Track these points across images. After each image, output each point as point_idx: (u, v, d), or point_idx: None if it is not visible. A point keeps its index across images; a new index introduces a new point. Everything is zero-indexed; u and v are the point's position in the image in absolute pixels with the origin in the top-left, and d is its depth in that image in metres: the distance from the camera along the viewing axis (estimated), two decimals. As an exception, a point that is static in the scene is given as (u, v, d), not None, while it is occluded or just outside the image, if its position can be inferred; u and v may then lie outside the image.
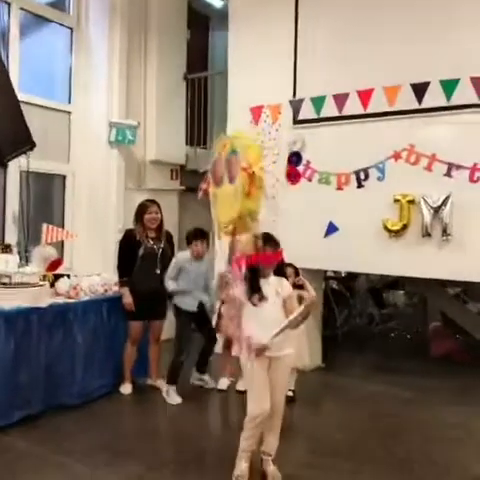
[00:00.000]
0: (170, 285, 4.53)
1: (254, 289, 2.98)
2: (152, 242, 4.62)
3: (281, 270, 3.17)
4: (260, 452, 3.12)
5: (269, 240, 3.07)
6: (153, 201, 4.74)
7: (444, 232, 4.58)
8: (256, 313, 2.97)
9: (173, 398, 4.48)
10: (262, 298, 2.96)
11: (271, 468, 3.09)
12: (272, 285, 3.04)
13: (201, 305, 4.59)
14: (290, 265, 4.16)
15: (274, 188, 5.39)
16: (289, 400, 4.21)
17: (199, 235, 4.55)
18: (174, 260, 4.62)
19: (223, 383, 4.79)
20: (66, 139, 6.25)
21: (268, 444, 3.11)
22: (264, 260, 3.01)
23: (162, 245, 4.66)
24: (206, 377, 4.88)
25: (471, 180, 4.54)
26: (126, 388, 4.65)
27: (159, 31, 6.53)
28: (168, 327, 4.86)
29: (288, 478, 3.03)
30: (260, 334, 2.92)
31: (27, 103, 5.50)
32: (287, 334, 3.00)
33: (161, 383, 4.75)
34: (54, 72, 6.29)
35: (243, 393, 4.56)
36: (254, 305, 2.97)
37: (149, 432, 3.88)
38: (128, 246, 4.62)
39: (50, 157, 5.92)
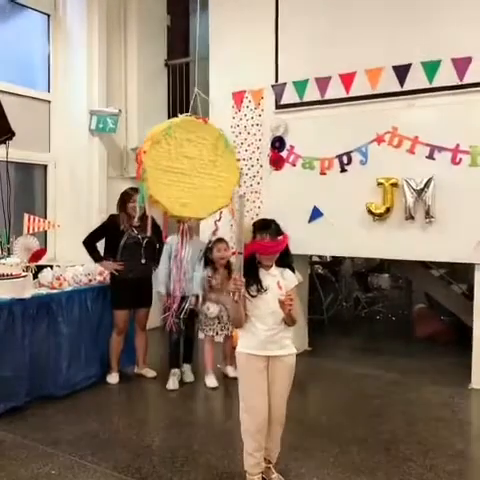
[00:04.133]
0: (160, 285, 4.55)
1: (251, 280, 2.68)
2: (136, 231, 4.57)
3: (285, 260, 2.80)
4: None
5: (264, 227, 2.71)
6: (136, 189, 4.66)
7: (427, 214, 4.61)
8: (256, 306, 2.71)
9: (170, 384, 4.51)
10: (260, 289, 2.69)
11: (274, 475, 2.87)
12: (274, 277, 2.74)
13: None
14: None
15: (258, 174, 5.42)
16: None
17: None
18: (165, 246, 4.58)
19: (211, 381, 4.61)
20: (46, 128, 6.18)
21: (270, 450, 2.85)
22: (260, 249, 2.69)
23: (147, 235, 4.59)
24: (185, 367, 4.76)
25: (453, 162, 4.55)
26: (113, 377, 4.64)
27: (139, 17, 6.45)
28: (154, 316, 4.86)
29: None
30: (260, 327, 2.69)
31: (5, 92, 5.41)
32: (289, 331, 2.77)
33: (148, 371, 4.76)
34: (32, 60, 6.18)
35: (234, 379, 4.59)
36: (252, 296, 2.69)
37: (136, 421, 3.88)
38: (107, 229, 4.58)
39: (30, 147, 5.85)
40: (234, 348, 2.93)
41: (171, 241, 4.61)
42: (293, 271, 2.83)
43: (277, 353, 2.74)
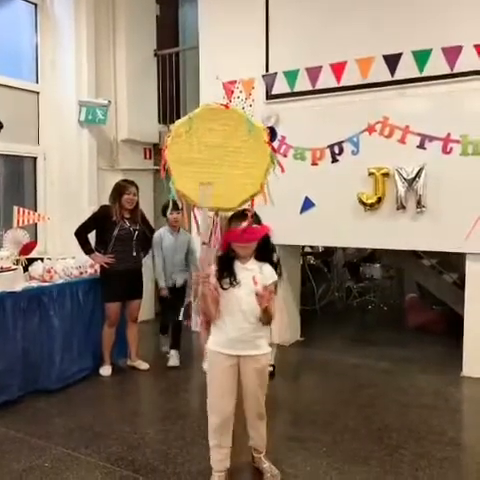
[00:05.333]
0: (159, 280, 4.82)
1: (225, 272, 2.57)
2: (128, 223, 4.55)
3: (265, 254, 2.64)
4: (250, 447, 2.87)
5: (239, 216, 2.57)
6: (131, 182, 4.63)
7: (418, 204, 4.62)
8: (228, 299, 2.57)
9: (172, 360, 4.78)
10: (233, 282, 2.55)
11: (266, 465, 2.83)
12: (250, 271, 2.57)
13: (174, 286, 4.81)
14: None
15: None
16: (269, 375, 4.27)
17: (174, 205, 4.52)
18: (154, 240, 4.77)
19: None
20: (35, 120, 6.10)
21: (255, 440, 2.84)
22: (232, 236, 2.55)
23: (138, 227, 4.60)
24: (173, 352, 4.84)
25: (444, 151, 4.55)
26: (106, 370, 4.62)
27: (127, 6, 6.37)
28: (145, 308, 4.86)
29: (268, 451, 3.03)
30: (229, 324, 2.58)
31: (-8, 83, 5.36)
32: (263, 330, 2.64)
33: (140, 363, 4.76)
34: (20, 51, 6.09)
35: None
36: (224, 289, 2.56)
37: (130, 413, 3.88)
38: (99, 220, 4.56)
39: (19, 139, 5.79)
40: None
41: (159, 234, 4.78)
42: (275, 267, 2.65)
43: (247, 353, 2.60)
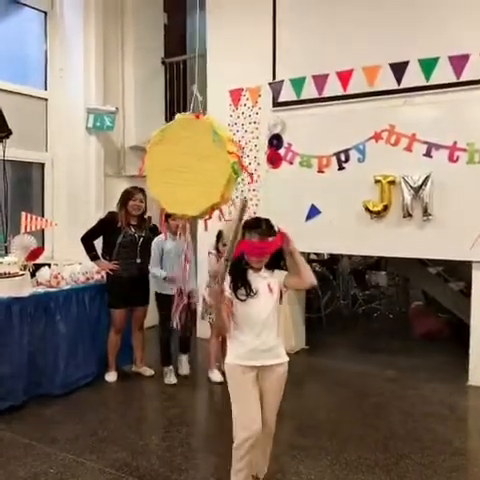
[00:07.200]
0: (156, 272, 4.47)
1: (239, 282, 2.50)
2: (133, 230, 4.57)
3: (277, 263, 2.55)
4: None
5: (253, 226, 2.50)
6: (139, 189, 4.64)
7: (425, 212, 4.62)
8: (246, 310, 2.51)
9: (168, 378, 4.56)
10: (250, 293, 2.49)
11: None
12: (265, 279, 2.53)
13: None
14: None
15: (256, 172, 5.39)
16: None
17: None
18: (153, 245, 4.52)
19: (216, 375, 4.59)
20: (43, 126, 6.16)
21: (259, 465, 2.71)
22: (247, 249, 2.48)
23: (143, 234, 4.61)
24: (180, 357, 4.75)
25: (450, 160, 4.56)
26: (111, 376, 4.63)
27: (135, 15, 6.43)
28: (152, 314, 4.85)
29: (272, 458, 3.03)
30: (249, 335, 2.51)
31: (2, 90, 5.41)
32: (280, 338, 2.60)
33: (146, 370, 4.76)
34: (29, 58, 6.15)
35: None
36: (241, 300, 2.50)
37: (135, 419, 3.88)
38: (105, 225, 4.58)
39: (27, 145, 5.84)
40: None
41: (158, 237, 4.55)
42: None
43: (269, 362, 2.54)
